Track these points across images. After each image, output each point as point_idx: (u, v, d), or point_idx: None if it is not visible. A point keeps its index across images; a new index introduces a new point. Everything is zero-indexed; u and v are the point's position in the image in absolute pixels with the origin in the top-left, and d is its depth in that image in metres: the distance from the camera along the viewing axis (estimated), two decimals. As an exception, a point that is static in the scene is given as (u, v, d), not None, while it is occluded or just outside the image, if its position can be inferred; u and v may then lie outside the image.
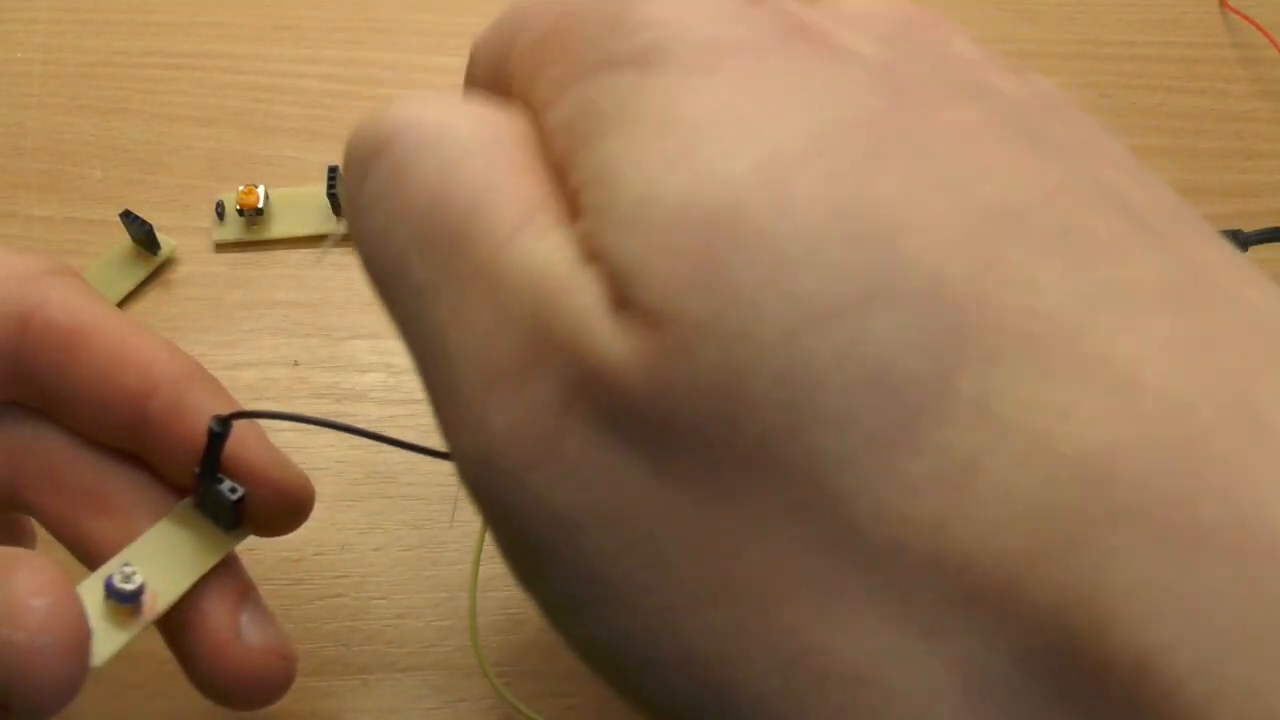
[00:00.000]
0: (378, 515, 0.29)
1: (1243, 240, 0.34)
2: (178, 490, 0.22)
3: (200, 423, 0.21)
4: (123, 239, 0.35)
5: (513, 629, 0.27)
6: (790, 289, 0.11)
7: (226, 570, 0.22)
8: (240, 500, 0.21)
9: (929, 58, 0.15)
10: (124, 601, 0.19)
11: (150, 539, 0.21)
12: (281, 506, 0.22)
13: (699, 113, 0.12)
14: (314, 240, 0.36)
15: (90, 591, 0.19)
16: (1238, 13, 0.42)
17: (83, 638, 0.18)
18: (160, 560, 0.21)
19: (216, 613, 0.21)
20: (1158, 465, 0.10)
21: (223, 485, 0.21)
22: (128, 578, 0.20)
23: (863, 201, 0.12)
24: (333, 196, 0.35)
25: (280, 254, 0.35)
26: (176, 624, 0.21)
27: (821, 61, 0.13)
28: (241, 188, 0.35)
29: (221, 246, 0.35)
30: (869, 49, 0.14)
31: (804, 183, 0.12)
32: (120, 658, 0.26)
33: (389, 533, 0.29)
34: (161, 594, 0.20)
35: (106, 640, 0.19)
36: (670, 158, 0.12)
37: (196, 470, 0.21)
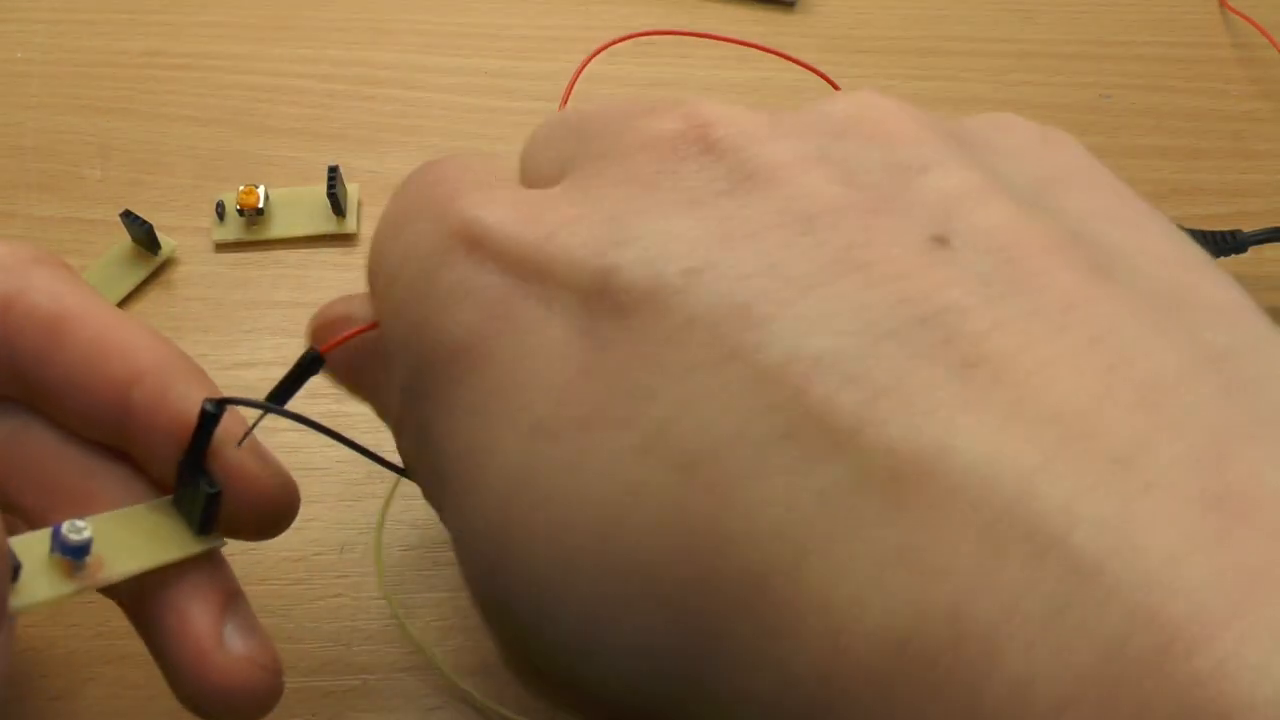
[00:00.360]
0: (377, 515, 0.29)
1: (1241, 240, 0.34)
2: (162, 490, 0.21)
3: (185, 412, 0.20)
4: (123, 239, 0.35)
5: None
6: None
7: (211, 575, 0.21)
8: (214, 497, 0.20)
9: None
10: (67, 554, 0.19)
11: (116, 517, 0.20)
12: (260, 509, 0.21)
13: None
14: (314, 240, 0.36)
15: (36, 540, 0.19)
16: (1237, 13, 0.42)
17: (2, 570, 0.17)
18: (118, 537, 0.20)
19: (198, 619, 0.20)
20: None
21: (202, 479, 0.20)
22: (78, 530, 0.19)
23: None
24: (333, 196, 0.35)
25: (280, 254, 0.35)
26: (157, 629, 0.21)
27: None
28: (242, 188, 0.35)
29: (222, 246, 0.35)
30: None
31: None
32: (122, 658, 0.26)
33: (389, 532, 0.29)
34: (106, 566, 0.19)
35: (36, 586, 0.18)
36: None
37: (179, 460, 0.20)
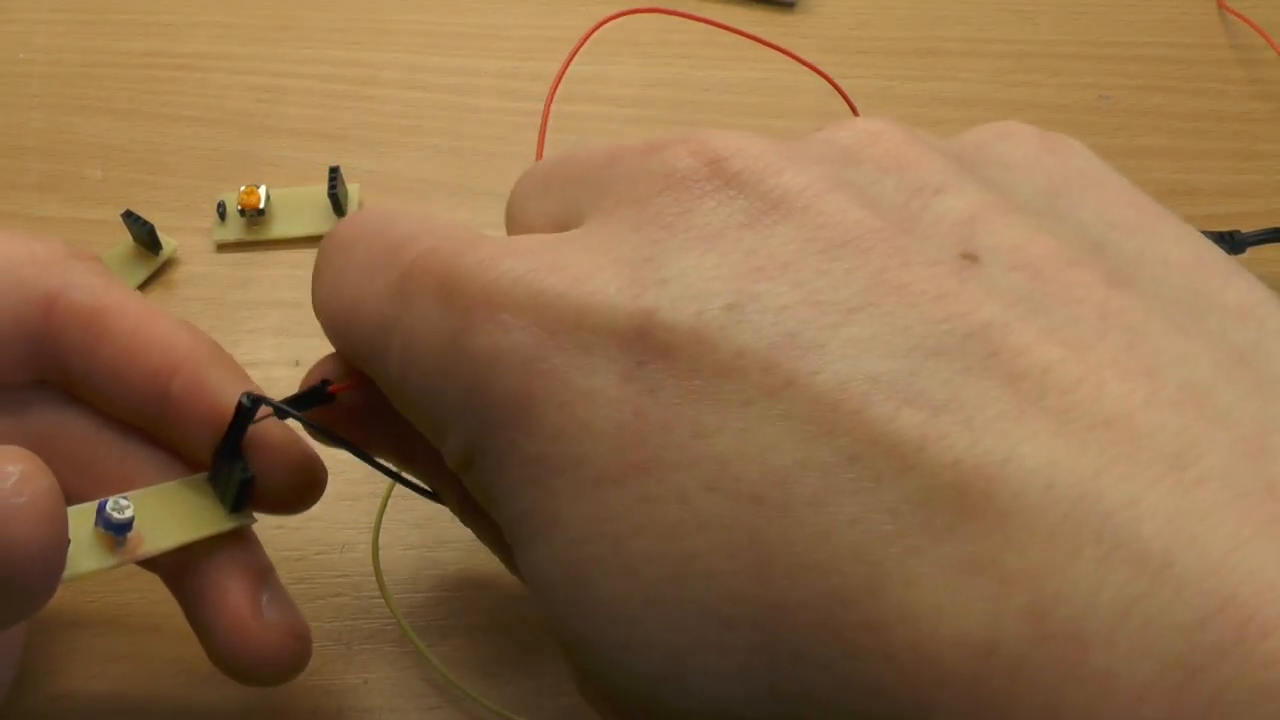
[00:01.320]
0: (375, 515, 0.29)
1: (1240, 241, 0.34)
2: (195, 470, 0.23)
3: (220, 400, 0.22)
4: (124, 239, 0.35)
5: (514, 629, 0.28)
6: None
7: (247, 550, 0.23)
8: (249, 482, 0.22)
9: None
10: (110, 529, 0.20)
11: (155, 493, 0.22)
12: (294, 486, 0.23)
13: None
14: (315, 240, 0.36)
15: (82, 514, 0.20)
16: (1236, 14, 0.43)
17: (55, 507, 0.18)
18: (157, 513, 0.21)
19: (238, 590, 0.22)
20: None
21: (238, 463, 0.22)
22: (121, 509, 0.20)
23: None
24: (333, 196, 0.36)
25: (281, 254, 0.35)
26: (198, 599, 0.22)
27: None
28: (243, 188, 0.35)
29: (223, 246, 0.36)
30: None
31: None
32: (123, 657, 0.27)
33: (390, 532, 0.29)
34: (146, 541, 0.21)
35: (80, 559, 0.20)
36: None
37: (216, 445, 0.22)
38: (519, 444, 0.16)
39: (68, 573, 0.19)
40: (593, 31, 0.26)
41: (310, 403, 0.21)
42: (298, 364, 0.32)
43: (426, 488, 0.23)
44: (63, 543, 0.18)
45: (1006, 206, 0.16)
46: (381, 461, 0.22)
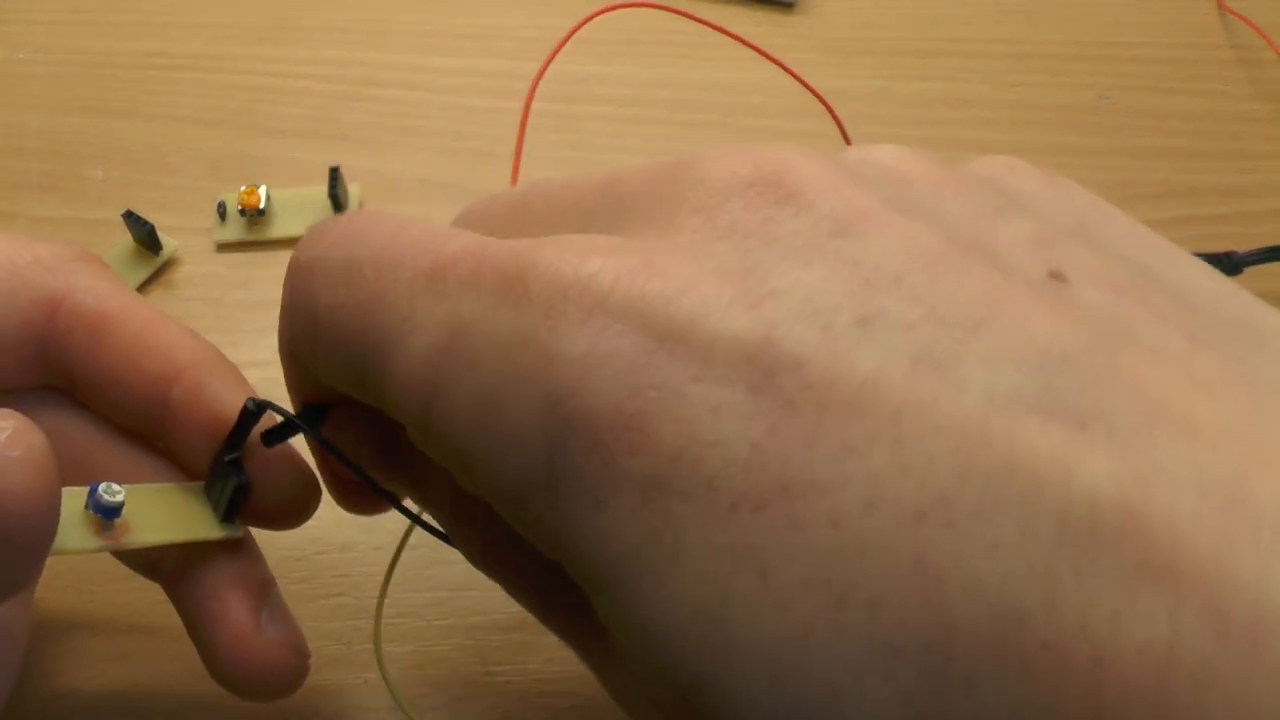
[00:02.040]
0: (379, 514, 0.29)
1: (1237, 262, 0.34)
2: (193, 479, 0.23)
3: (221, 408, 0.22)
4: (124, 239, 0.35)
5: (514, 628, 0.28)
6: None
7: (250, 564, 0.23)
8: (243, 489, 0.22)
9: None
10: (99, 512, 0.20)
11: (148, 490, 0.22)
12: (288, 499, 0.23)
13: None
14: (315, 240, 0.36)
15: (74, 496, 0.20)
16: (1236, 14, 0.43)
17: (47, 463, 0.17)
18: (146, 510, 0.21)
19: (239, 605, 0.22)
20: None
21: (234, 470, 0.22)
22: (113, 493, 0.20)
23: None
24: (334, 197, 0.36)
25: (282, 254, 0.35)
26: (199, 611, 0.22)
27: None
28: (243, 188, 0.35)
29: (223, 247, 0.36)
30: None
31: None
32: (123, 657, 0.27)
33: (389, 532, 0.29)
34: (133, 531, 0.21)
35: (65, 536, 0.20)
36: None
37: (215, 453, 0.22)
38: (623, 464, 0.14)
39: (54, 545, 0.19)
40: (579, 27, 0.26)
41: (313, 418, 0.21)
42: (298, 364, 0.32)
43: (438, 527, 0.21)
44: (56, 499, 0.18)
45: (1063, 233, 0.16)
46: (389, 492, 0.21)
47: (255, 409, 0.21)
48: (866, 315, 0.14)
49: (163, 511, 0.22)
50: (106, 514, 0.20)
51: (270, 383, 0.23)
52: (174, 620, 0.23)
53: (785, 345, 0.14)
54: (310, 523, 0.23)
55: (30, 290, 0.22)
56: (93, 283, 0.23)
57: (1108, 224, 0.17)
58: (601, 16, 0.42)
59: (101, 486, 0.20)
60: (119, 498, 0.20)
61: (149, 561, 0.23)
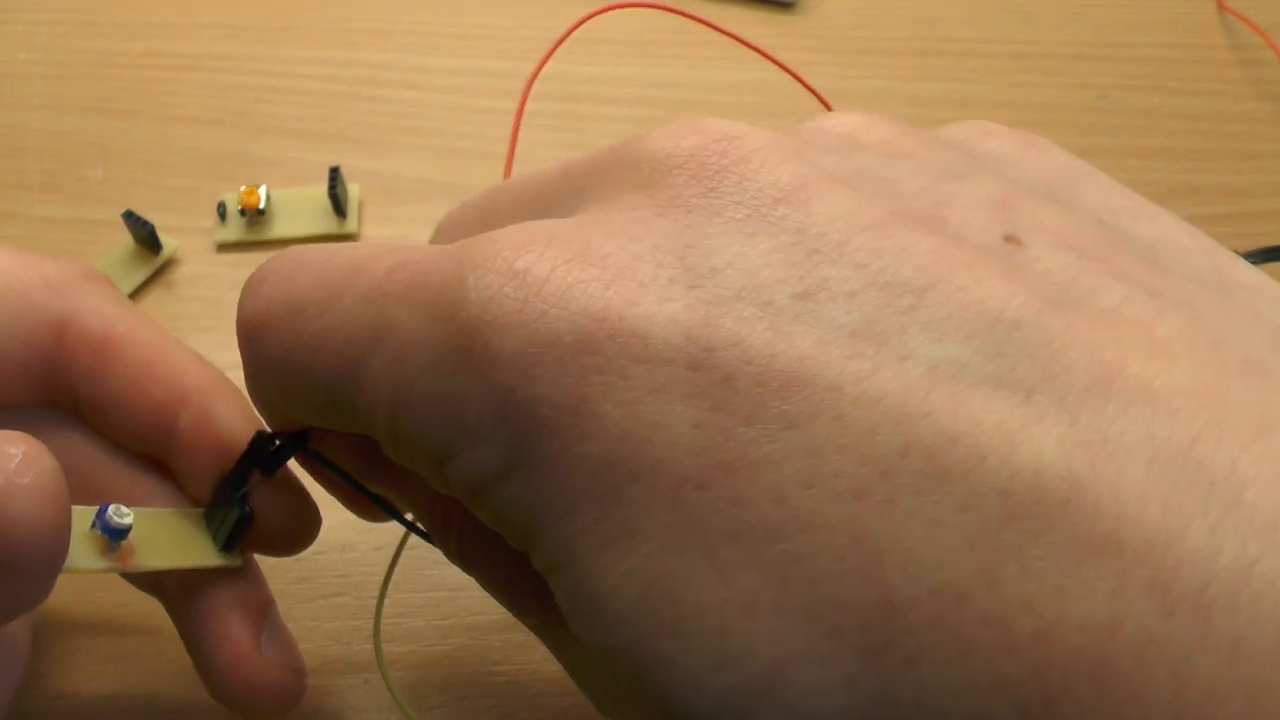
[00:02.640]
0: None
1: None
2: (194, 503, 0.23)
3: (227, 436, 0.22)
4: (125, 239, 0.35)
5: (514, 627, 0.28)
6: None
7: (250, 586, 0.23)
8: (246, 520, 0.22)
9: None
10: (107, 533, 0.20)
11: (150, 515, 0.22)
12: (290, 528, 0.23)
13: None
14: (315, 241, 0.36)
15: (82, 515, 0.20)
16: (1236, 14, 0.43)
17: (59, 489, 0.17)
18: (149, 534, 0.21)
19: (239, 626, 0.22)
20: None
21: (238, 501, 0.22)
22: (122, 515, 0.20)
23: None
24: (334, 197, 0.36)
25: (281, 254, 0.35)
26: (200, 631, 0.22)
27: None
28: (243, 188, 0.35)
29: (223, 247, 0.36)
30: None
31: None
32: (123, 657, 0.27)
33: (389, 532, 0.29)
34: (137, 554, 0.21)
35: (75, 555, 0.19)
36: None
37: (218, 481, 0.22)
38: (575, 449, 0.14)
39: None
40: (576, 26, 0.26)
41: (302, 438, 0.21)
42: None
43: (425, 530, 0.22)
44: (67, 525, 0.18)
45: (1026, 193, 0.15)
46: (384, 503, 0.22)
47: (262, 443, 0.21)
48: (808, 289, 0.14)
49: (166, 536, 0.22)
50: (114, 535, 0.20)
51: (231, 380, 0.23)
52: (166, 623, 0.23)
53: (724, 323, 0.14)
54: (310, 523, 0.24)
55: (37, 312, 0.22)
56: (100, 305, 0.22)
57: (1081, 183, 0.17)
58: (600, 16, 0.42)
59: (111, 508, 0.20)
60: (127, 520, 0.20)
61: (152, 581, 0.23)
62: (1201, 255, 0.16)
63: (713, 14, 0.42)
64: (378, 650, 0.26)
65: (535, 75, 0.25)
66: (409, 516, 0.22)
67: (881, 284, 0.14)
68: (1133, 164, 0.39)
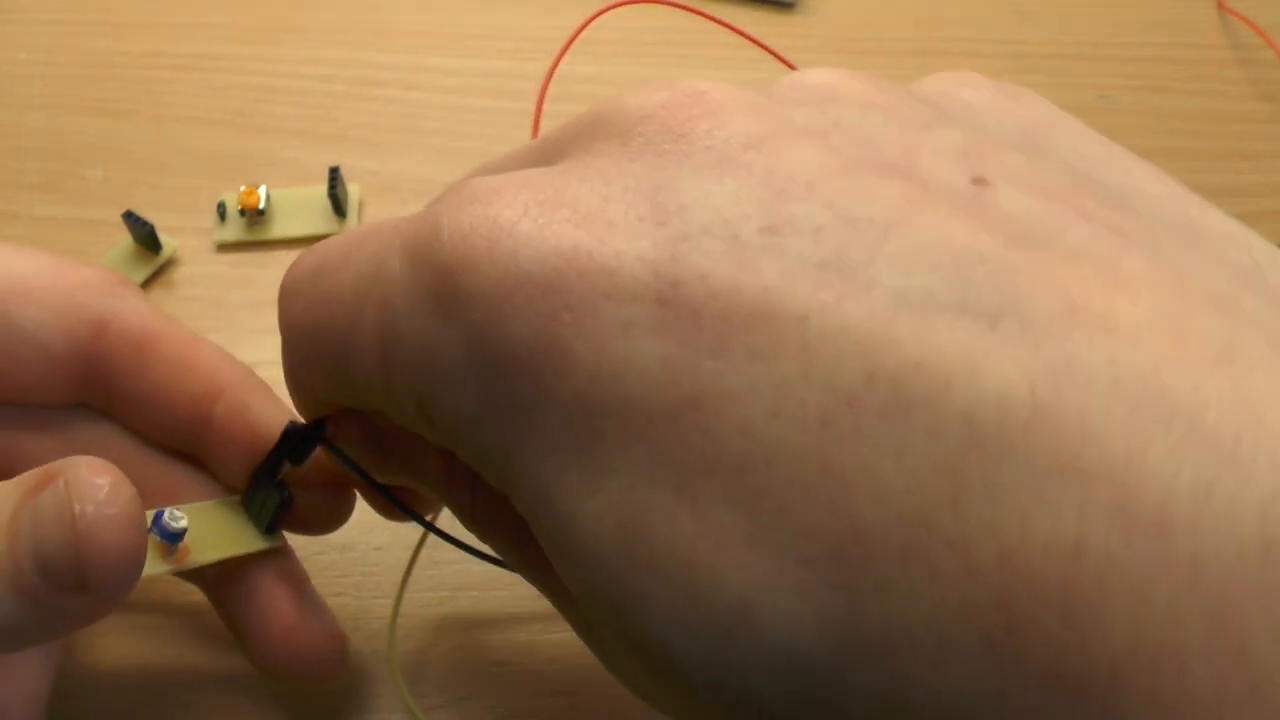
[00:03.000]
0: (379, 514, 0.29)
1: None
2: (229, 490, 0.24)
3: (262, 426, 0.23)
4: (125, 239, 0.35)
5: (515, 627, 0.28)
6: None
7: (290, 562, 0.24)
8: (286, 504, 0.23)
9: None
10: (165, 538, 0.21)
11: (196, 509, 0.23)
12: (327, 510, 0.24)
13: None
14: (315, 241, 0.36)
15: None
16: (1236, 15, 0.43)
17: (139, 515, 0.19)
18: (198, 527, 0.22)
19: (285, 599, 0.24)
20: None
21: (276, 487, 0.23)
22: (176, 519, 0.21)
23: None
24: (334, 197, 0.36)
25: (281, 254, 0.35)
26: (246, 608, 0.24)
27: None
28: (243, 188, 0.35)
29: (223, 247, 0.36)
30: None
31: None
32: (123, 657, 0.27)
33: (390, 532, 0.29)
34: (193, 552, 0.22)
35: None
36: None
37: (254, 469, 0.23)
38: (547, 387, 0.14)
39: None
40: (585, 25, 0.26)
41: (319, 428, 0.22)
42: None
43: (448, 534, 0.23)
44: (145, 546, 0.19)
45: (995, 141, 0.16)
46: (398, 500, 0.22)
47: (296, 431, 0.22)
48: (774, 223, 0.14)
49: (212, 528, 0.23)
50: (172, 539, 0.21)
51: (272, 382, 0.23)
52: (173, 621, 0.23)
53: (691, 258, 0.14)
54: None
55: (80, 310, 0.23)
56: (137, 305, 0.24)
57: (1055, 131, 0.17)
58: (600, 16, 0.42)
59: (166, 514, 0.21)
60: (182, 524, 0.21)
61: (194, 570, 0.24)
62: (1172, 202, 0.16)
63: (713, 13, 0.42)
64: (391, 654, 0.26)
65: (550, 75, 0.25)
66: (429, 517, 0.23)
67: (848, 220, 0.14)
68: (1133, 164, 0.39)
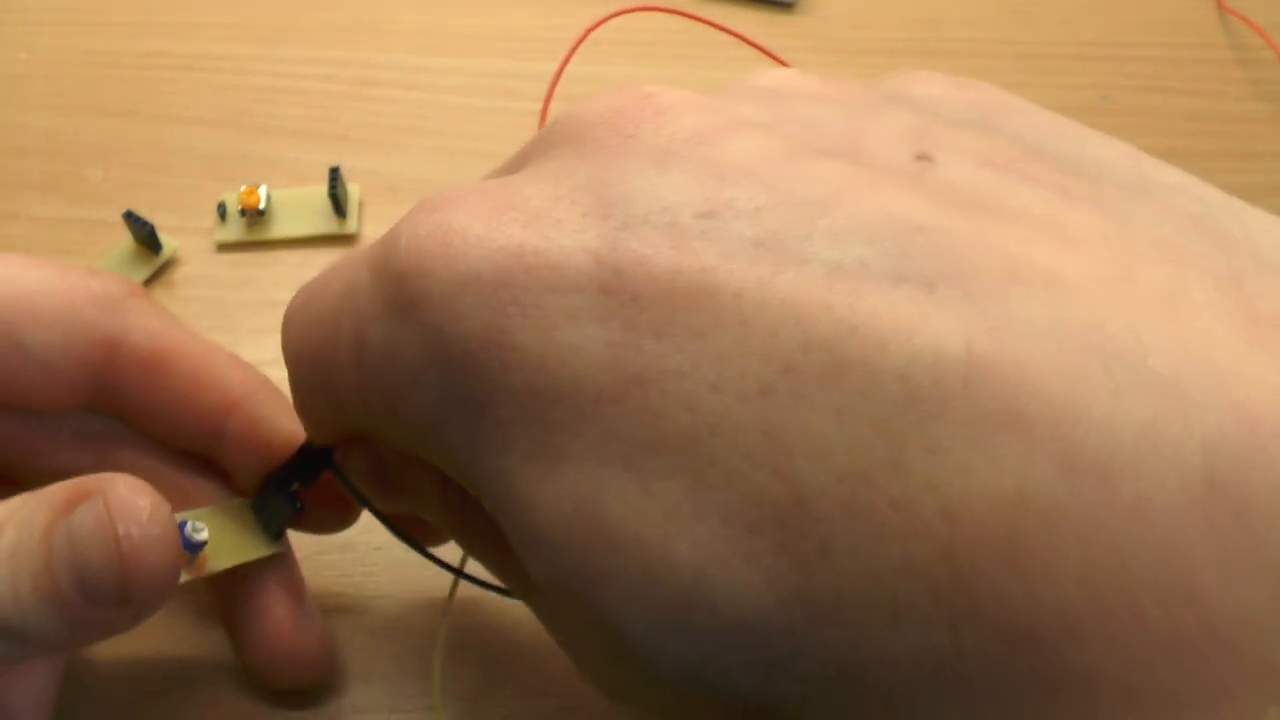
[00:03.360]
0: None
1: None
2: (242, 493, 0.25)
3: (275, 437, 0.23)
4: (125, 239, 0.35)
5: (515, 629, 0.28)
6: None
7: (289, 570, 0.25)
8: (297, 513, 0.23)
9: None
10: (187, 549, 0.22)
11: (207, 515, 0.23)
12: (334, 517, 0.25)
13: None
14: (315, 241, 0.36)
15: None
16: (1235, 14, 0.43)
17: (176, 535, 0.20)
18: (214, 535, 0.23)
19: (283, 604, 0.24)
20: None
21: (287, 496, 0.23)
22: (198, 530, 0.22)
23: None
24: (334, 197, 0.36)
25: (282, 254, 0.35)
26: (245, 612, 0.24)
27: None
28: (243, 188, 0.35)
29: (223, 247, 0.36)
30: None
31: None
32: (123, 657, 0.27)
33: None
34: (210, 560, 0.22)
35: None
36: None
37: (266, 477, 0.24)
38: (499, 381, 0.15)
39: None
40: (592, 30, 0.26)
41: (325, 456, 0.22)
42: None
43: (444, 561, 0.23)
44: (180, 565, 0.20)
45: (943, 122, 0.16)
46: (400, 529, 0.23)
47: (306, 454, 0.23)
48: (713, 208, 0.14)
49: (226, 535, 0.23)
50: (193, 549, 0.22)
51: (278, 382, 0.23)
52: (173, 621, 0.23)
53: (631, 245, 0.14)
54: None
55: (89, 331, 0.23)
56: (147, 320, 0.24)
57: (1009, 114, 0.17)
58: (602, 16, 0.42)
59: (189, 526, 0.22)
60: (203, 535, 0.22)
61: None
62: (1124, 162, 0.16)
63: (713, 15, 0.42)
64: (435, 657, 0.26)
65: (558, 76, 0.26)
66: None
67: (787, 201, 0.14)
68: (1133, 164, 0.39)
